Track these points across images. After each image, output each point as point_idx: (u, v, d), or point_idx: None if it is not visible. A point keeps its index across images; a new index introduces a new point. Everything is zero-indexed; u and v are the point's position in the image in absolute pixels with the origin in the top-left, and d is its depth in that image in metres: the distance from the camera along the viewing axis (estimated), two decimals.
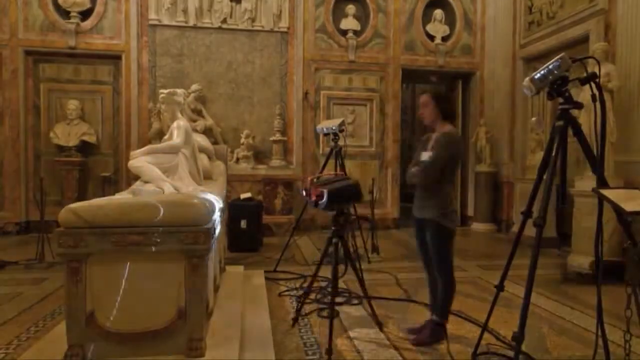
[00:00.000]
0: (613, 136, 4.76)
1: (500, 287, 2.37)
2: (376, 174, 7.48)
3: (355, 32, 7.42)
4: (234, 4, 7.06)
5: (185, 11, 6.94)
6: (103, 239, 2.09)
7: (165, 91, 3.46)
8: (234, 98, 7.15)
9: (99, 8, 6.85)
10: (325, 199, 2.54)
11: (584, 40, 5.66)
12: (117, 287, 2.13)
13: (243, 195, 5.86)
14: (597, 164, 1.88)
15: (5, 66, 6.64)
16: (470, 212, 7.86)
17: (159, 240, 2.11)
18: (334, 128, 4.60)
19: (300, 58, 7.23)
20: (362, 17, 7.57)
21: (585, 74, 1.91)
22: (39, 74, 6.89)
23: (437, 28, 7.65)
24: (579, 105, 1.97)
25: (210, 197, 2.62)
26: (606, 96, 4.72)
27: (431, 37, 7.64)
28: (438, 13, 7.64)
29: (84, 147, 6.80)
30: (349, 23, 7.42)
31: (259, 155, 7.12)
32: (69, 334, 2.10)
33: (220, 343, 2.35)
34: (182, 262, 2.17)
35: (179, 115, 3.45)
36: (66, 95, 6.88)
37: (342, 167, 4.90)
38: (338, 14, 7.47)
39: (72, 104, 6.72)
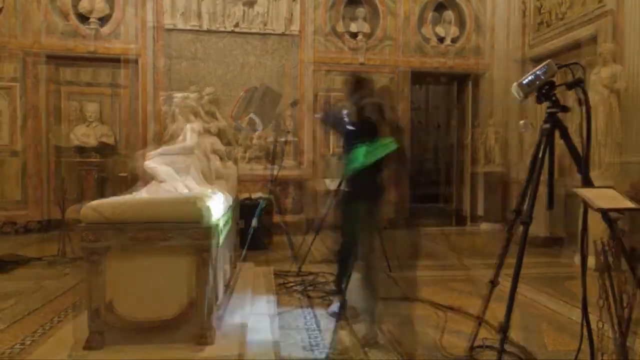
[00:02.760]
0: (619, 136, 4.80)
1: (494, 282, 2.48)
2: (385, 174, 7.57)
3: (365, 35, 7.54)
4: (246, 8, 7.24)
5: (199, 16, 7.15)
6: (121, 234, 2.26)
7: (179, 95, 3.65)
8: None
9: (117, 14, 7.10)
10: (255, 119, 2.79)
11: (592, 40, 5.69)
12: (133, 279, 2.30)
13: (254, 195, 6.03)
14: (582, 165, 1.98)
15: (28, 71, 6.94)
16: (480, 211, 7.91)
17: (170, 236, 2.28)
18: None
19: (310, 60, 7.38)
20: (372, 19, 7.68)
21: (572, 78, 2.02)
22: (60, 77, 7.18)
23: (447, 29, 7.73)
24: (566, 109, 2.07)
25: (219, 196, 2.79)
26: (612, 97, 4.78)
27: (441, 39, 7.72)
28: (447, 15, 7.71)
29: (103, 148, 7.06)
30: (359, 26, 7.54)
31: (271, 156, 7.28)
32: (90, 322, 2.28)
33: (228, 333, 2.52)
34: (192, 257, 2.33)
35: (192, 118, 3.64)
36: (85, 98, 7.16)
37: None
38: (348, 16, 7.60)
39: (91, 107, 7.00)
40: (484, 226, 7.53)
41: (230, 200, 3.28)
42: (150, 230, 2.27)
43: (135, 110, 7.26)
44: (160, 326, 2.34)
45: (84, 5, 7.03)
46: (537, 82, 1.98)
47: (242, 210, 5.83)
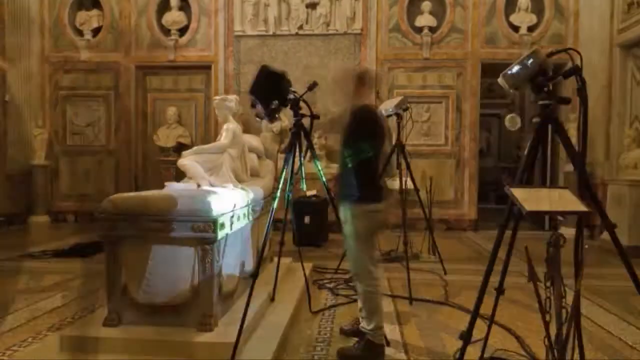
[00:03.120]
0: None
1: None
2: (452, 173, 7.27)
3: (431, 29, 7.28)
4: (309, 10, 7.41)
5: (265, 21, 7.47)
6: (132, 225, 2.50)
7: (218, 97, 3.88)
8: (310, 101, 7.48)
9: (193, 24, 7.71)
10: (255, 101, 2.72)
11: None
12: (144, 265, 2.53)
13: (309, 193, 6.16)
14: (577, 161, 1.77)
15: (121, 80, 7.84)
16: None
17: (174, 227, 2.47)
18: (390, 110, 4.21)
19: (373, 58, 7.32)
20: (439, 12, 7.39)
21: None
22: (147, 85, 8.00)
23: (523, 18, 7.15)
24: (565, 101, 1.86)
25: (235, 193, 2.94)
26: None
27: (515, 28, 7.17)
28: (523, 2, 7.13)
29: (180, 148, 7.69)
30: (425, 20, 7.30)
31: (332, 155, 7.36)
32: (108, 303, 2.56)
33: (232, 322, 2.64)
34: (195, 248, 2.51)
35: (230, 118, 3.84)
36: (167, 102, 7.90)
37: (408, 167, 4.52)
38: (413, 11, 7.40)
39: (171, 110, 7.69)
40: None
41: (254, 196, 3.40)
42: (157, 222, 2.48)
43: (209, 112, 7.82)
44: (168, 310, 2.55)
45: (166, 19, 7.75)
46: (523, 72, 1.81)
47: (297, 207, 6.02)
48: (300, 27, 7.43)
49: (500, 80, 1.90)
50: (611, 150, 6.37)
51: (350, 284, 4.19)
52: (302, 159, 3.05)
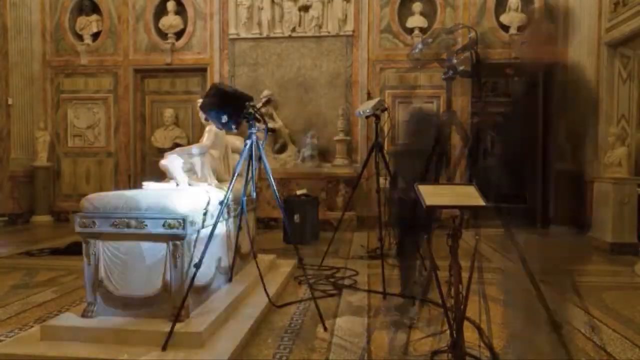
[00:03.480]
0: None
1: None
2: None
3: (422, 29, 7.38)
4: (302, 12, 7.55)
5: (259, 24, 7.63)
6: (108, 222, 2.66)
7: (201, 100, 4.04)
8: (303, 101, 7.64)
9: (189, 28, 7.89)
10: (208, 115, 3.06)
11: None
12: (119, 260, 2.69)
13: (299, 192, 6.30)
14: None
15: (120, 83, 8.06)
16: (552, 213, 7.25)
17: (146, 224, 2.62)
18: (367, 111, 4.32)
19: (364, 59, 7.44)
20: (429, 13, 7.49)
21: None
22: (144, 87, 8.20)
23: (512, 18, 7.22)
24: (466, 74, 1.99)
25: (204, 192, 3.09)
26: None
27: (505, 28, 7.24)
28: (513, 2, 7.20)
29: None
30: (415, 21, 7.40)
31: (325, 155, 7.50)
32: (87, 295, 2.73)
33: (204, 313, 2.80)
34: (165, 244, 2.65)
35: None
36: (164, 104, 8.09)
37: (386, 165, 4.83)
38: (404, 12, 7.51)
39: (168, 112, 7.88)
40: (553, 229, 6.87)
41: (231, 195, 3.53)
42: (130, 219, 2.64)
43: None
44: (142, 302, 2.70)
45: (163, 23, 7.94)
46: (426, 50, 1.93)
47: (287, 205, 6.16)
48: (293, 30, 7.58)
49: (408, 60, 2.03)
50: (599, 148, 6.41)
51: (331, 279, 4.35)
52: (255, 169, 3.25)
